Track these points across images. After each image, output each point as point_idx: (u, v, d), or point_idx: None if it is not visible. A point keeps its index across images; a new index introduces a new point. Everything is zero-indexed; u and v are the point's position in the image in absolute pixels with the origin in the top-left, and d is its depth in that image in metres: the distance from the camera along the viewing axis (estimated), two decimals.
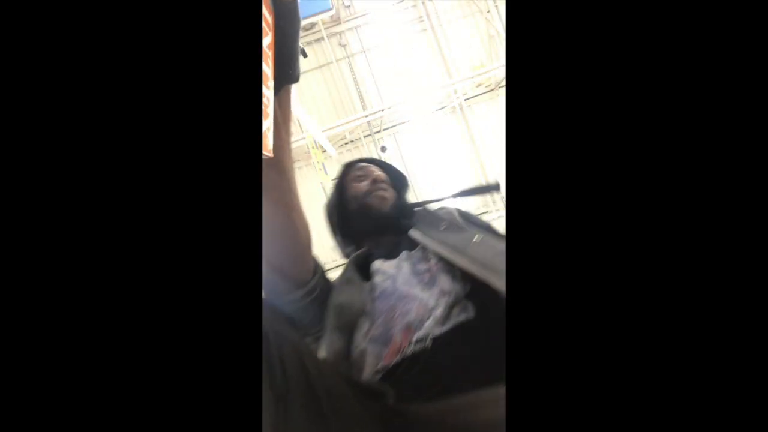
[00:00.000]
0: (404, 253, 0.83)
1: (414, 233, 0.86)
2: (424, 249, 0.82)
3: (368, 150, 6.09)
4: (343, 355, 0.69)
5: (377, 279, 0.78)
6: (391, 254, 0.85)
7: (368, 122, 5.89)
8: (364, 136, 6.11)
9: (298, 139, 5.27)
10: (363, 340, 0.69)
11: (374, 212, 0.97)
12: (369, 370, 0.67)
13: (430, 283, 0.74)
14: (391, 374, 0.65)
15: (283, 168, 0.60)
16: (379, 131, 6.15)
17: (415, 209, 1.02)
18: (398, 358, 0.65)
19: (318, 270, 0.78)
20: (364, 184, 1.03)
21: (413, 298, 0.71)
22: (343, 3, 5.91)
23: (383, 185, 1.02)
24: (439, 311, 0.68)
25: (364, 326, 0.71)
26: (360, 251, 0.92)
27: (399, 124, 6.26)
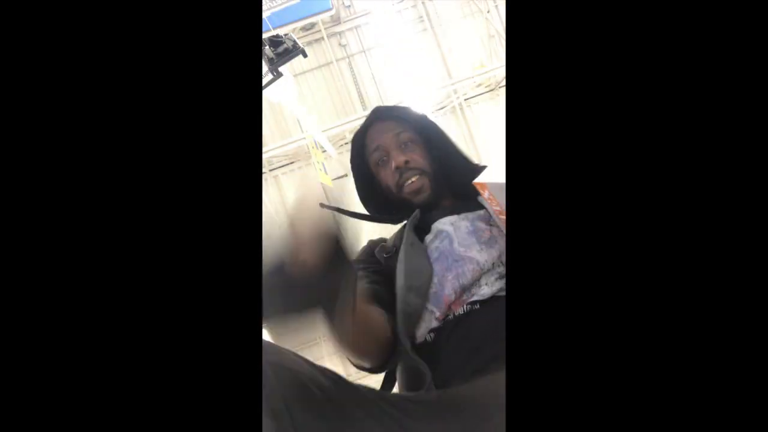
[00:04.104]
0: (465, 214, 0.77)
1: (482, 200, 0.75)
2: (489, 212, 0.75)
3: None
4: (416, 315, 0.68)
5: (435, 241, 0.75)
6: (450, 213, 0.78)
7: None
8: None
9: (298, 139, 5.26)
10: (426, 299, 0.69)
11: (416, 204, 0.83)
12: (425, 328, 0.68)
13: (489, 243, 0.72)
14: (441, 333, 0.67)
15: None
16: None
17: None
18: (450, 316, 0.67)
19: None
20: (389, 173, 0.84)
21: (469, 259, 0.70)
22: (343, 3, 5.90)
23: (410, 172, 0.82)
24: (493, 276, 0.68)
25: (431, 288, 0.70)
26: (415, 215, 0.81)
27: None
